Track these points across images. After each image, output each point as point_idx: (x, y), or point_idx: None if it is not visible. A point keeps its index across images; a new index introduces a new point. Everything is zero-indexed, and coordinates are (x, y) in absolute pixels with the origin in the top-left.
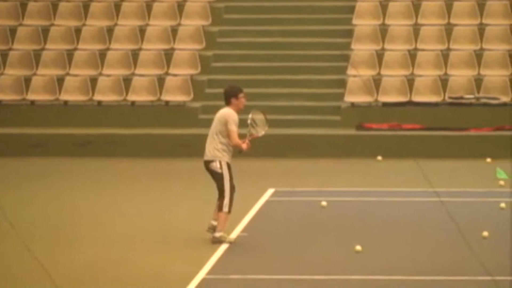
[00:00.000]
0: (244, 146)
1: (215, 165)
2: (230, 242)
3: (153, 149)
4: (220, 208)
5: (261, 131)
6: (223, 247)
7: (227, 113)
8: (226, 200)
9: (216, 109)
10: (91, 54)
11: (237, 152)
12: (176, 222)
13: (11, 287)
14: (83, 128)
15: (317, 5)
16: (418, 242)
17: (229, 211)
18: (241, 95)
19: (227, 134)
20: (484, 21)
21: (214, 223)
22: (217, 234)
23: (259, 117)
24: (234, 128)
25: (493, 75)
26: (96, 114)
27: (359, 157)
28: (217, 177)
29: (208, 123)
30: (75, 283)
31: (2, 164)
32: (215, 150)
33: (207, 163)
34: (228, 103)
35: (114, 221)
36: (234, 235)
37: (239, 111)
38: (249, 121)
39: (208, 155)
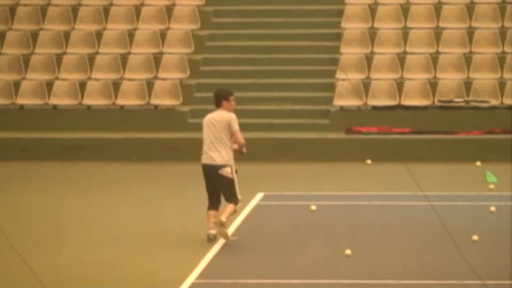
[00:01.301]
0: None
1: (227, 170)
2: (226, 238)
3: (142, 153)
4: (229, 202)
5: None
6: (213, 251)
7: (228, 115)
8: (237, 200)
9: (205, 113)
10: (80, 58)
11: (238, 154)
12: (165, 226)
13: None
14: (72, 132)
15: (306, 9)
16: (407, 246)
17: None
18: (231, 97)
19: (233, 136)
20: (473, 24)
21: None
22: (223, 218)
23: None
24: (238, 128)
25: (483, 78)
26: (85, 118)
27: (349, 161)
28: (226, 182)
29: (197, 127)
30: (63, 286)
31: None
32: (227, 155)
33: (216, 168)
34: (219, 105)
35: (103, 225)
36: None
37: None
38: None
39: (217, 161)
